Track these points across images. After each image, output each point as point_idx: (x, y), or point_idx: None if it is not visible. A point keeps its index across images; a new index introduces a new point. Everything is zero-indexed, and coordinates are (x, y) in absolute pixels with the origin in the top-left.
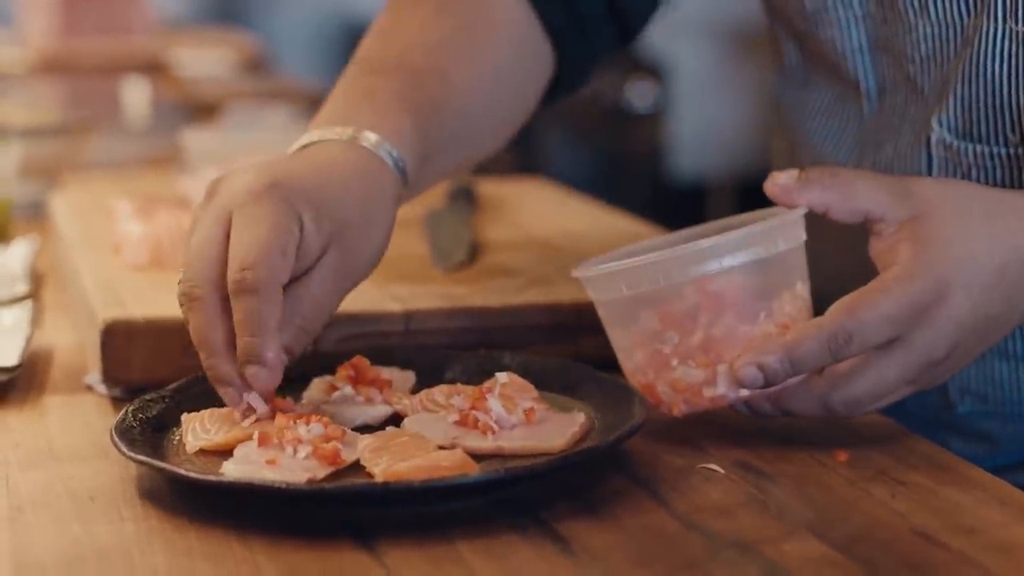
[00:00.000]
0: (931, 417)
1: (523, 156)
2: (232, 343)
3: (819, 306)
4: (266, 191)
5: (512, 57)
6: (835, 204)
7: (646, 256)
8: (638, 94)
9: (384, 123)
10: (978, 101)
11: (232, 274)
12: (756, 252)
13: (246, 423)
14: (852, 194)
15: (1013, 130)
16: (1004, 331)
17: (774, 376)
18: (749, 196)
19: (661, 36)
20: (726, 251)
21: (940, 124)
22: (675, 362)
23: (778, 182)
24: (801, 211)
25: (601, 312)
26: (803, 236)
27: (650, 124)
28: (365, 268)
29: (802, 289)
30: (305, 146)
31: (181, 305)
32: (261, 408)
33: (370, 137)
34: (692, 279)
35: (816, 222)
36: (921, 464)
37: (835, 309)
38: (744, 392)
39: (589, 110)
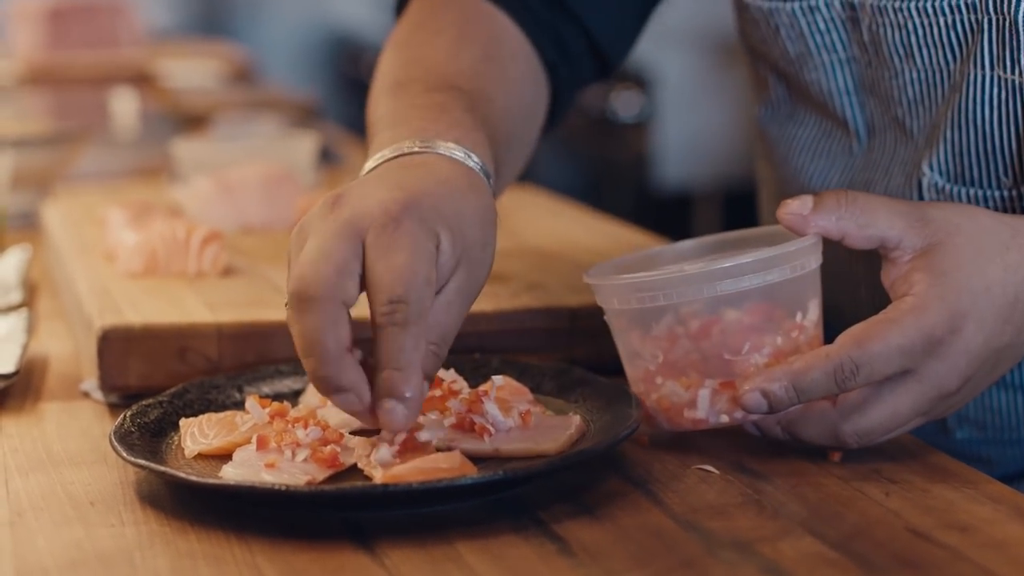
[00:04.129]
0: (929, 442)
1: None
2: (346, 351)
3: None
4: (406, 213)
5: (529, 85)
6: (851, 232)
7: (658, 272)
8: (624, 103)
9: (467, 137)
10: (969, 146)
11: (381, 305)
12: (767, 277)
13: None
14: (869, 222)
15: (1007, 173)
16: (1012, 362)
17: (778, 403)
18: (734, 205)
19: (646, 46)
20: (737, 274)
21: (931, 168)
22: (659, 379)
23: (791, 210)
24: (816, 237)
25: (607, 319)
26: (816, 263)
27: (635, 133)
28: (480, 287)
29: (811, 316)
30: (403, 155)
31: (288, 306)
32: (258, 414)
33: (471, 153)
34: (702, 298)
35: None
36: (913, 463)
37: (844, 339)
38: (724, 419)
39: (575, 119)
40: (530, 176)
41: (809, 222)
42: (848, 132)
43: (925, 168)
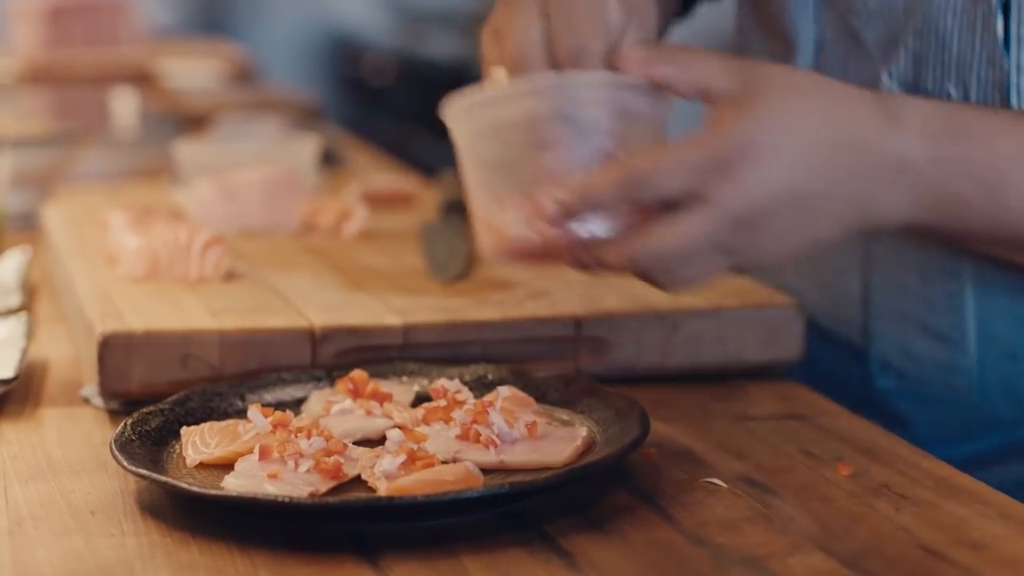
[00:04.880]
0: (851, 390)
1: None
2: None
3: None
4: None
5: None
6: (675, 78)
7: (494, 90)
8: None
9: None
10: (928, 55)
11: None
12: (616, 95)
13: None
14: (689, 67)
15: (956, 85)
16: (831, 221)
17: (569, 209)
18: None
19: None
20: (587, 84)
21: (891, 77)
22: (489, 202)
23: (626, 55)
24: (639, 78)
25: (458, 152)
26: (662, 113)
27: None
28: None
29: None
30: None
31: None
32: (261, 423)
33: None
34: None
35: None
36: (923, 478)
37: (636, 152)
38: (533, 235)
39: None
40: None
41: (641, 67)
42: (793, 51)
43: (884, 78)
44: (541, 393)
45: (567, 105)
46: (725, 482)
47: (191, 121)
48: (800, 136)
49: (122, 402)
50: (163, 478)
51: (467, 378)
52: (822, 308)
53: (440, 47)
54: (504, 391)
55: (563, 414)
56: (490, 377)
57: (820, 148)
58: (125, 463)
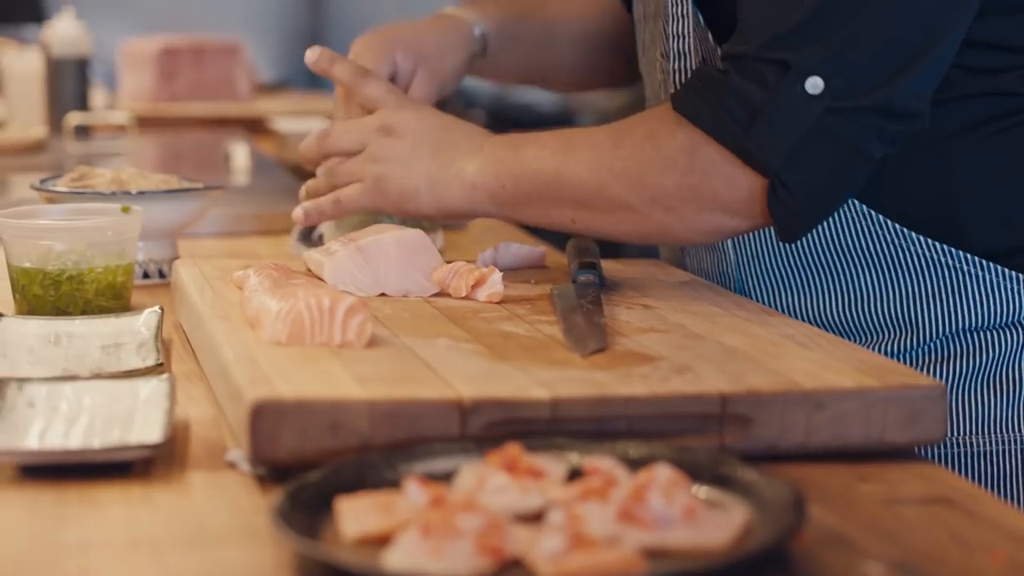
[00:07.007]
0: None
1: None
2: None
3: None
4: (369, 39)
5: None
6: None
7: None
8: None
9: (475, 7)
10: None
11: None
12: None
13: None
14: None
15: None
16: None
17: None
18: None
19: None
20: None
21: None
22: None
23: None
24: None
25: None
26: None
27: None
28: (446, 81)
29: None
30: None
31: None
32: (419, 497)
33: (456, 11)
34: None
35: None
36: None
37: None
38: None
39: None
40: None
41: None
42: None
43: None
44: (693, 472)
45: None
46: (882, 569)
47: (302, 170)
48: (421, 122)
49: (269, 468)
50: (330, 556)
51: (619, 454)
52: None
53: (535, 92)
54: (663, 471)
55: (716, 494)
56: (641, 454)
57: (432, 130)
58: (288, 538)
